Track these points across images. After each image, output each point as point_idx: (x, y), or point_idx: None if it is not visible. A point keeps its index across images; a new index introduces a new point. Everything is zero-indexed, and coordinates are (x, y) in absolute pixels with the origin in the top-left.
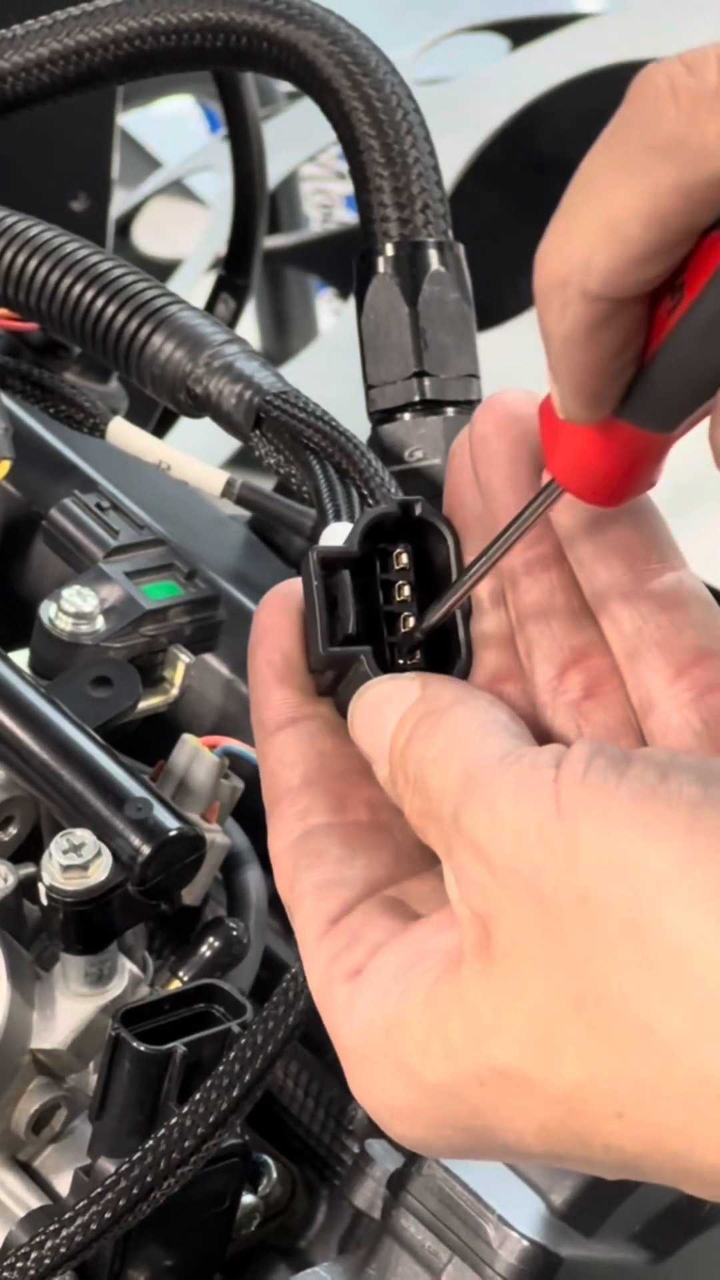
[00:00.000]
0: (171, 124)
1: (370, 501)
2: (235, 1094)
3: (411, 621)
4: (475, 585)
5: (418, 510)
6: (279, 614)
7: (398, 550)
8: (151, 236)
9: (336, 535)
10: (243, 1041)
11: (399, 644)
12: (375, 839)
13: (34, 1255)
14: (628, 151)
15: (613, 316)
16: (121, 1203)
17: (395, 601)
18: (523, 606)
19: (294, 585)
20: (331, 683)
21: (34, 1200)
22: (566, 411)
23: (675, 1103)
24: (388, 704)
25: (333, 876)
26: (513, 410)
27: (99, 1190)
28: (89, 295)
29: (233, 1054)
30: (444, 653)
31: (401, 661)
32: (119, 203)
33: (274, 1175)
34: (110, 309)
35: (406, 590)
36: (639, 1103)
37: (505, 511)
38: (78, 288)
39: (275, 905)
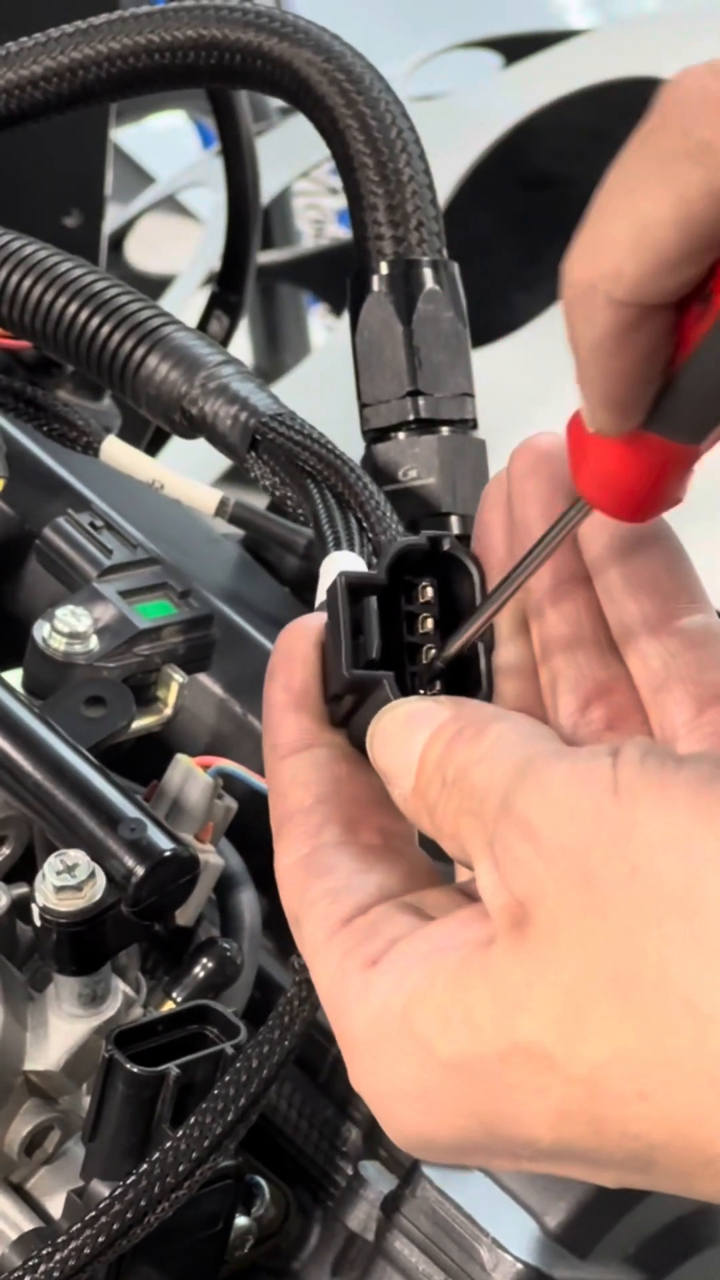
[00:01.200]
0: (164, 139)
1: (368, 528)
2: (230, 1118)
3: (433, 653)
4: (500, 609)
5: (445, 545)
6: (298, 642)
7: (423, 583)
8: (144, 252)
9: (340, 564)
10: (238, 1065)
11: (420, 673)
12: (388, 858)
13: (27, 1279)
14: (658, 157)
15: (641, 323)
16: (115, 1226)
17: (418, 633)
18: (549, 638)
19: (314, 618)
20: (348, 712)
21: (26, 1223)
22: (595, 422)
23: (705, 1082)
24: (415, 721)
25: (345, 884)
26: (548, 450)
27: (93, 1214)
28: (84, 315)
29: (228, 1077)
30: (464, 684)
31: (422, 691)
32: (111, 218)
33: (267, 1197)
34: (105, 329)
35: (430, 623)
36: (665, 1082)
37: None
38: (72, 307)
39: (269, 926)
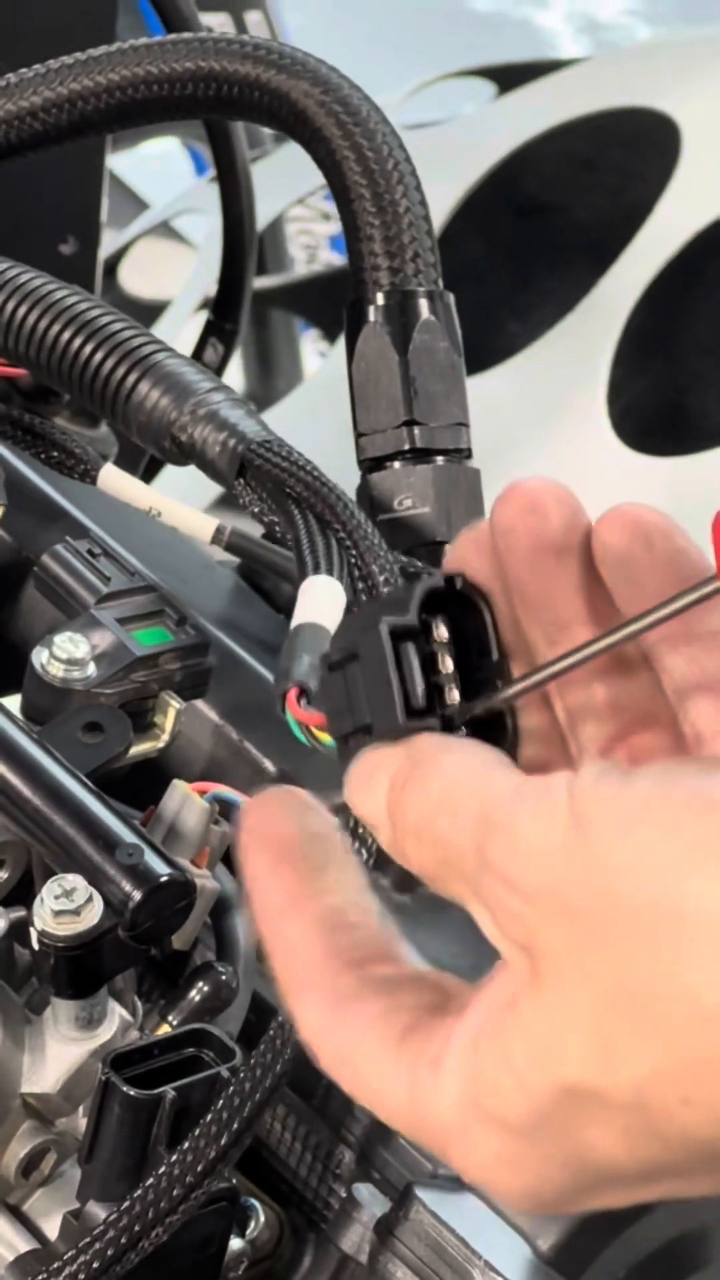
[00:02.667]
0: (158, 165)
1: (356, 555)
2: (225, 1141)
3: (455, 693)
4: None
5: (458, 584)
6: (271, 806)
7: (435, 621)
8: (138, 278)
9: (318, 589)
10: (232, 1089)
11: (454, 717)
12: (405, 980)
13: None
14: None
15: None
16: (111, 1251)
17: (441, 674)
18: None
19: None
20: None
21: (23, 1244)
22: None
23: None
24: (379, 769)
25: (383, 1010)
26: (533, 500)
27: (88, 1239)
28: (77, 342)
29: (222, 1101)
30: (491, 725)
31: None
32: (105, 244)
33: (261, 1219)
34: (97, 355)
35: (450, 663)
36: (701, 1082)
37: (530, 599)
38: (65, 334)
39: (263, 950)
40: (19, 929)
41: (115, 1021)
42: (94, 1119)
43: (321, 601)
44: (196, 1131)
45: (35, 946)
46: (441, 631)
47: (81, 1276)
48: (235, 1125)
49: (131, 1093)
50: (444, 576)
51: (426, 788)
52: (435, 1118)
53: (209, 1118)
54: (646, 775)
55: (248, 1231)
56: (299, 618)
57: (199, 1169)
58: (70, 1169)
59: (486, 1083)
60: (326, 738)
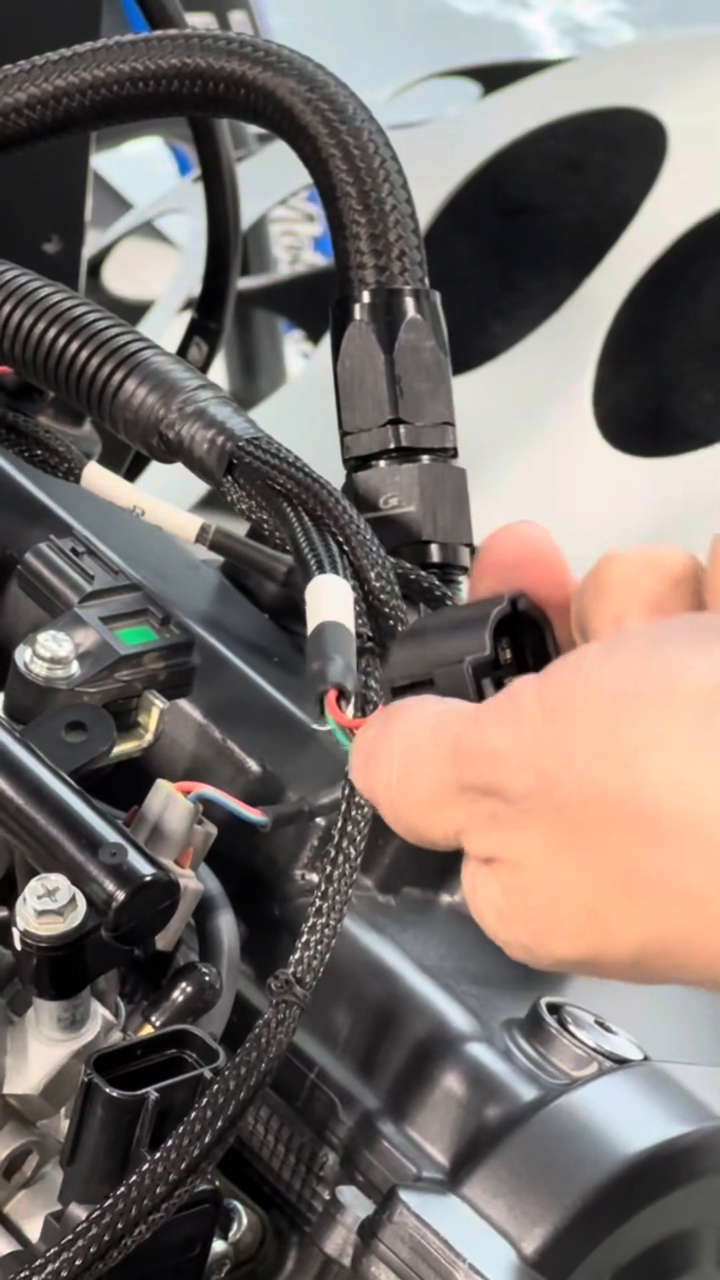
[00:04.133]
0: (141, 165)
1: (348, 551)
2: (207, 1140)
3: None
4: None
5: (521, 605)
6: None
7: (502, 644)
8: (122, 278)
9: (329, 587)
10: (215, 1088)
11: None
12: None
13: None
14: None
15: None
16: (93, 1249)
17: None
18: None
19: None
20: None
21: (4, 1245)
22: None
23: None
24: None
25: None
26: (500, 558)
27: (69, 1237)
28: (62, 340)
29: (205, 1100)
30: None
31: None
32: (89, 244)
33: (244, 1221)
34: (83, 354)
35: None
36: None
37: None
38: (51, 332)
39: (247, 950)
40: (1, 929)
41: (98, 1023)
42: (76, 1120)
43: (335, 600)
44: (180, 1129)
45: (17, 946)
46: (507, 654)
47: (64, 1275)
48: (218, 1124)
49: (114, 1094)
50: (509, 600)
51: (389, 731)
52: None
53: (193, 1115)
54: (606, 663)
55: (230, 1234)
56: (318, 616)
57: (182, 1167)
58: (52, 1171)
59: None
60: None
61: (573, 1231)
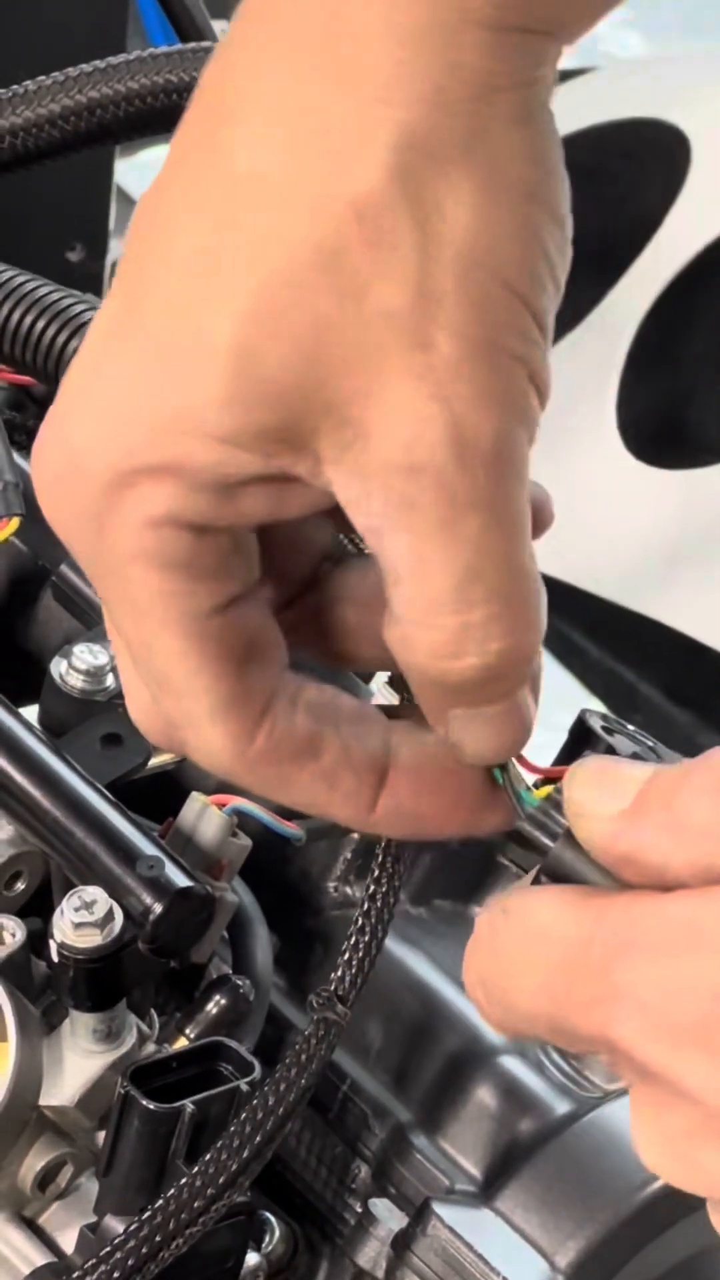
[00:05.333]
0: (157, 172)
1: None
2: (245, 1155)
3: None
4: None
5: None
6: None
7: None
8: None
9: None
10: (254, 1102)
11: None
12: None
13: None
14: None
15: None
16: (130, 1262)
17: None
18: None
19: None
20: None
21: (39, 1257)
22: None
23: None
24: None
25: None
26: None
27: (107, 1250)
28: (61, 339)
29: (244, 1115)
30: None
31: None
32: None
33: (277, 1233)
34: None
35: None
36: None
37: None
38: (74, 343)
39: (279, 963)
40: (36, 940)
41: (133, 1034)
42: (113, 1132)
43: None
44: (219, 1144)
45: (55, 959)
46: None
47: None
48: (257, 1139)
49: (151, 1106)
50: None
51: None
52: None
53: (231, 1129)
54: None
55: (263, 1246)
56: None
57: (220, 1181)
58: (87, 1182)
59: None
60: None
61: (606, 1245)
